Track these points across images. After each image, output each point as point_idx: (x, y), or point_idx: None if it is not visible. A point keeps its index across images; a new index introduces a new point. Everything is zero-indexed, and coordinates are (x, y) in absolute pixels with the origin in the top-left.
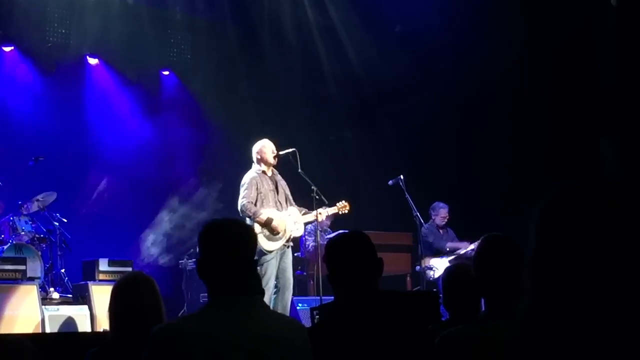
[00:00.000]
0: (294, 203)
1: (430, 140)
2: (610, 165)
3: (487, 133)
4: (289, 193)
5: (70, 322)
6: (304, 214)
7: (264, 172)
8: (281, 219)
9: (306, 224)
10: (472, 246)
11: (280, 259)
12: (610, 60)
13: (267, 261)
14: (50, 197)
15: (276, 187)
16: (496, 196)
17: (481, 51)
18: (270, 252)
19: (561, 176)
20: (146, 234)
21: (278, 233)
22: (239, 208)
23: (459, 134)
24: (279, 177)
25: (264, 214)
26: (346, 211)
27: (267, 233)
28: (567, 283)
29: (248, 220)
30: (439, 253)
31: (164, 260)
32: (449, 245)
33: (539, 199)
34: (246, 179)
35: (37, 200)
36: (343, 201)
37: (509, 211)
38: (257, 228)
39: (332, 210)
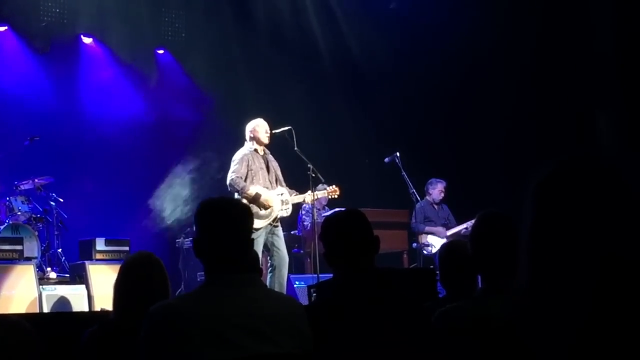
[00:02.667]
0: (284, 184)
1: (426, 117)
2: (606, 139)
3: (483, 109)
4: (279, 173)
5: (67, 301)
6: (293, 195)
7: (256, 150)
8: (269, 197)
9: (295, 205)
10: (466, 225)
11: (271, 237)
12: (605, 30)
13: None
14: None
15: (267, 167)
16: (492, 173)
17: (475, 27)
18: (257, 230)
19: (557, 151)
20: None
21: (267, 208)
22: (227, 182)
23: (455, 111)
24: (270, 157)
25: (252, 189)
26: (336, 196)
27: (255, 210)
28: (562, 259)
29: (236, 195)
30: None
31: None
32: (428, 229)
33: (534, 175)
34: (238, 155)
35: (34, 180)
36: (333, 185)
37: (505, 188)
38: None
39: (321, 195)
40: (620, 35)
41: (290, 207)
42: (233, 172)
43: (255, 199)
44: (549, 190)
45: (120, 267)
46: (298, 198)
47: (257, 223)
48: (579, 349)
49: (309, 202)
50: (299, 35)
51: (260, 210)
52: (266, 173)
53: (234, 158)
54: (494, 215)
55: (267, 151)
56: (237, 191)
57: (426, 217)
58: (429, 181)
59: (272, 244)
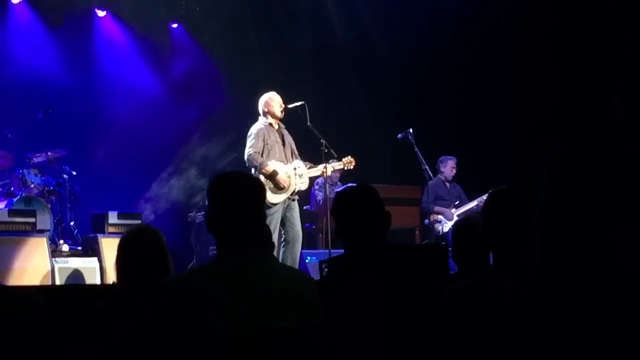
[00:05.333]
0: (299, 157)
1: (439, 93)
2: (620, 119)
3: (497, 87)
4: (294, 147)
5: (79, 274)
6: (309, 168)
7: (270, 124)
8: (286, 173)
9: (312, 178)
10: (475, 203)
11: (287, 211)
12: (621, 11)
13: (271, 214)
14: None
15: (282, 140)
16: (505, 151)
17: (490, 5)
18: (275, 204)
19: (570, 130)
20: (157, 187)
21: (282, 187)
22: (245, 158)
23: (469, 88)
24: (285, 131)
25: (270, 165)
26: (352, 167)
27: (272, 186)
28: (575, 237)
29: (253, 171)
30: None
31: (172, 213)
32: (436, 209)
33: (548, 153)
34: (253, 130)
35: (47, 153)
36: (349, 156)
37: (518, 166)
38: (262, 179)
39: (337, 166)
40: (636, 21)
41: (307, 180)
42: (250, 147)
43: (272, 176)
44: (562, 169)
45: (119, 241)
46: (314, 171)
47: (275, 198)
48: (591, 324)
49: (328, 174)
50: (312, 10)
51: (277, 187)
52: (282, 147)
53: (249, 133)
54: (506, 192)
55: (282, 125)
56: (255, 167)
57: (437, 195)
58: (440, 159)
59: (287, 219)
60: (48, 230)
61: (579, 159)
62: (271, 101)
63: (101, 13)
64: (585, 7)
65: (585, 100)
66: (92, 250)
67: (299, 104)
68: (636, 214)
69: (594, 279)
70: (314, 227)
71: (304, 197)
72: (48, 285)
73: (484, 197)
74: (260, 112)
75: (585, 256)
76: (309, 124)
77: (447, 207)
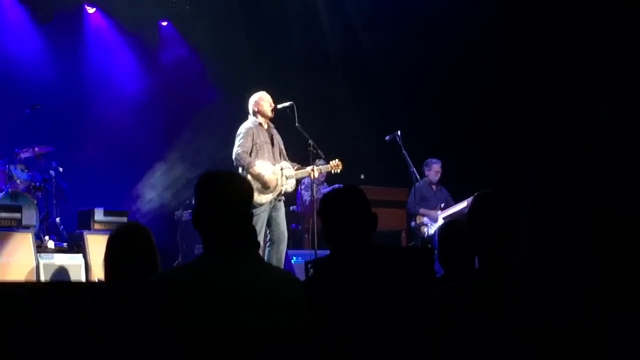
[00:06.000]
0: (287, 158)
1: (428, 96)
2: (607, 123)
3: (484, 90)
4: (283, 147)
5: (64, 270)
6: (297, 169)
7: (260, 124)
8: (274, 173)
9: (298, 179)
10: (459, 207)
11: (273, 211)
12: (609, 14)
13: (257, 214)
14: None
15: (271, 140)
16: (491, 154)
17: (477, 7)
18: (261, 205)
19: (557, 133)
20: (144, 184)
21: (269, 187)
22: (233, 157)
23: (457, 90)
24: (274, 131)
25: (258, 165)
26: (339, 170)
27: (259, 186)
28: (562, 238)
29: (241, 170)
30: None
31: (158, 211)
32: (422, 211)
33: (536, 156)
34: (242, 129)
35: (34, 149)
36: (336, 160)
37: (504, 169)
38: (249, 179)
39: (324, 169)
40: (624, 20)
41: (294, 181)
42: (239, 146)
43: (259, 176)
44: (550, 171)
45: (108, 239)
46: (302, 172)
47: (262, 198)
48: (578, 324)
49: (315, 176)
50: (302, 11)
51: (264, 187)
52: (271, 147)
53: (238, 132)
54: (490, 196)
55: (271, 125)
56: (242, 166)
57: (423, 197)
58: (425, 162)
59: (273, 219)
60: (34, 226)
61: (567, 161)
62: (261, 100)
63: (91, 10)
64: (572, 8)
65: (572, 102)
66: (77, 246)
67: (287, 104)
68: (623, 215)
69: (581, 281)
70: (300, 227)
71: (291, 197)
72: (33, 282)
73: (471, 199)
74: (250, 111)
75: (573, 258)
76: (297, 124)
77: (432, 209)
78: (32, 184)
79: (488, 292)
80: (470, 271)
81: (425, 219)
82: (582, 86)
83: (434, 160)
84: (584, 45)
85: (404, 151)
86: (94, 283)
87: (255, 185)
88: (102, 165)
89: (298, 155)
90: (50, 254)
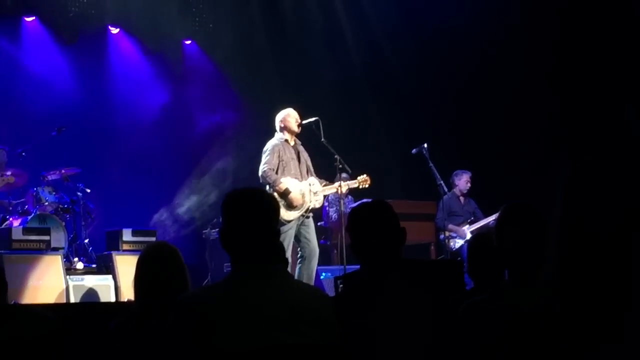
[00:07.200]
0: (314, 174)
1: (454, 108)
2: (635, 130)
3: (510, 101)
4: (310, 164)
5: (94, 292)
6: (324, 185)
7: (286, 140)
8: (300, 190)
9: (326, 195)
10: (488, 221)
11: (302, 228)
12: (636, 19)
13: (284, 231)
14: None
15: (298, 157)
16: (519, 166)
17: (504, 17)
18: (289, 221)
19: (584, 142)
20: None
21: (296, 205)
22: (259, 174)
23: (483, 102)
24: (301, 148)
25: (284, 183)
26: (367, 185)
27: (285, 202)
28: (592, 250)
29: (267, 187)
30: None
31: (186, 230)
32: (450, 227)
33: (563, 165)
34: (268, 145)
35: (61, 171)
36: (364, 175)
37: (532, 181)
38: (276, 197)
39: (352, 184)
40: None
41: (321, 197)
42: (265, 163)
43: (285, 194)
44: (577, 181)
45: (138, 259)
46: (329, 189)
47: (289, 215)
48: (607, 340)
49: (342, 192)
50: (326, 26)
51: (290, 205)
52: (297, 163)
53: (264, 149)
54: (518, 207)
55: (298, 141)
56: (269, 184)
57: (451, 211)
58: (455, 172)
59: (303, 235)
60: (62, 248)
61: (595, 169)
62: (288, 117)
63: (114, 30)
64: (598, 14)
65: (599, 109)
66: (106, 267)
67: (313, 119)
68: None
69: (611, 293)
70: (328, 243)
71: (318, 213)
72: (63, 303)
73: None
74: (277, 127)
75: (603, 270)
76: (323, 140)
77: (461, 223)
78: (60, 206)
79: (518, 304)
80: (500, 283)
81: (454, 232)
82: (609, 93)
83: (464, 171)
84: (610, 52)
85: (430, 164)
86: (123, 303)
87: (281, 202)
88: (129, 185)
89: (325, 170)
90: (80, 276)
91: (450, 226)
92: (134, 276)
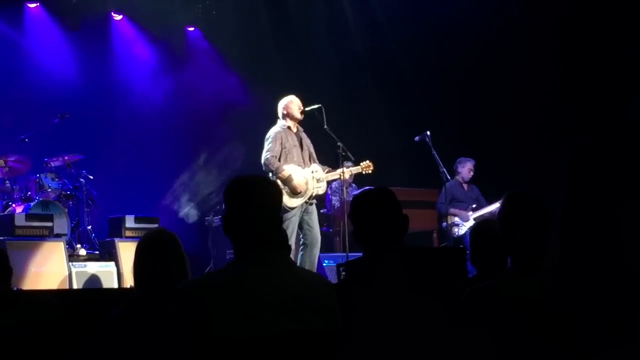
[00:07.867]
0: (317, 161)
1: (456, 96)
2: (638, 118)
3: (513, 89)
4: (313, 151)
5: (96, 278)
6: (327, 172)
7: (289, 127)
8: (304, 177)
9: (329, 182)
10: (491, 208)
11: (305, 215)
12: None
13: (288, 218)
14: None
15: (300, 144)
16: (522, 153)
17: (508, 5)
18: (292, 208)
19: (587, 131)
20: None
21: (296, 193)
22: (262, 161)
23: (486, 89)
24: (303, 135)
25: (287, 170)
26: (370, 171)
27: (289, 189)
28: (595, 239)
29: (270, 175)
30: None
31: (193, 217)
32: (452, 211)
33: (566, 154)
34: (271, 133)
35: (64, 157)
36: (367, 161)
37: (535, 169)
38: (279, 184)
39: (355, 170)
40: None
41: (324, 184)
42: (267, 150)
43: (288, 181)
44: (581, 170)
45: (137, 245)
46: (332, 175)
47: (293, 202)
48: (609, 325)
49: (345, 178)
50: (329, 13)
51: (293, 192)
52: (300, 150)
53: (267, 136)
54: (521, 195)
55: (300, 128)
56: (272, 171)
57: (454, 197)
58: (458, 160)
59: (305, 222)
60: (65, 235)
61: (597, 158)
62: (291, 104)
63: (118, 17)
64: (602, 3)
65: (602, 99)
66: (109, 254)
67: (315, 106)
68: None
69: (613, 280)
70: (330, 230)
71: (321, 200)
72: (65, 290)
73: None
74: (280, 114)
75: (605, 257)
76: (325, 127)
77: (464, 209)
78: (63, 192)
79: (521, 292)
80: (503, 271)
81: (457, 219)
82: (612, 83)
83: (467, 158)
84: (613, 42)
85: (433, 151)
86: (125, 289)
87: (284, 189)
88: (132, 171)
89: (327, 157)
90: (83, 262)
91: (453, 210)
92: (133, 263)
